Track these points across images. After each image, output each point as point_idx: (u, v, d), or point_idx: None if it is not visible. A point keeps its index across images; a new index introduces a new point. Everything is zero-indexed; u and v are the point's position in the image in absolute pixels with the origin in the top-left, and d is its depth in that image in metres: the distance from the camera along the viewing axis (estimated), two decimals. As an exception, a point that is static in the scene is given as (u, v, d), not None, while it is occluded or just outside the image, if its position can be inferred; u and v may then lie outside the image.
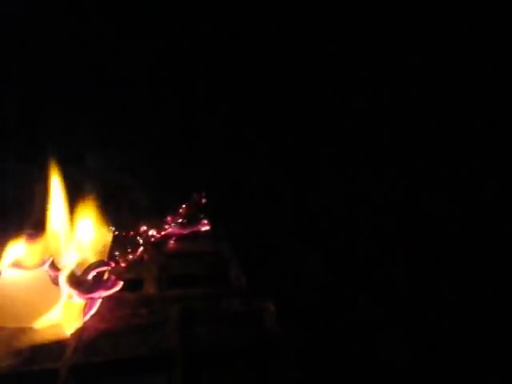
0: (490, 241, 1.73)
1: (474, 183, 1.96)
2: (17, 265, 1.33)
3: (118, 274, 1.51)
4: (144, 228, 1.75)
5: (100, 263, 1.39)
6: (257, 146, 2.20)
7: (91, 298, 1.33)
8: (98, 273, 1.36)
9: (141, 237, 1.71)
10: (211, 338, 1.28)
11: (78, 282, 1.33)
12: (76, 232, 1.51)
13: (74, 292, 1.32)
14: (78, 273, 1.36)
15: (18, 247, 1.38)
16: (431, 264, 1.62)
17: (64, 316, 1.31)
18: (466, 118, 2.10)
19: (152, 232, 1.74)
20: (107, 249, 1.59)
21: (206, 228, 1.80)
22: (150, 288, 1.45)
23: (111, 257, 1.57)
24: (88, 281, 1.34)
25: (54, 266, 1.35)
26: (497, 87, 2.08)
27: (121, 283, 1.37)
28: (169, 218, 1.80)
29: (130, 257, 1.61)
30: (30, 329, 1.26)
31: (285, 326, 1.31)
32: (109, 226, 1.70)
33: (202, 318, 1.35)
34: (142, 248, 1.66)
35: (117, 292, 1.38)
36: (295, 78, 2.20)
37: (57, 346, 1.23)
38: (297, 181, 2.13)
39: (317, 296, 1.43)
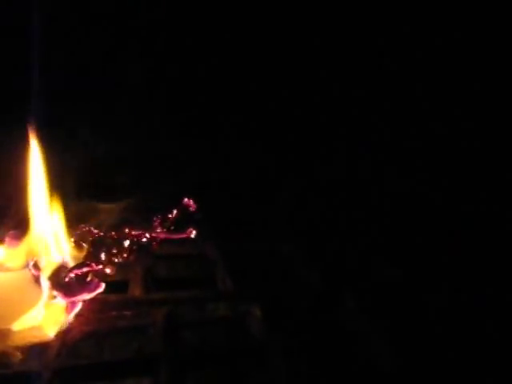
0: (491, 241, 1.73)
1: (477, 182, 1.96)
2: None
3: (102, 276, 1.51)
4: (130, 230, 1.73)
5: (82, 265, 1.37)
6: (247, 147, 2.18)
7: (73, 301, 1.32)
8: (80, 274, 1.35)
9: (127, 239, 1.70)
10: (196, 342, 1.27)
11: (60, 283, 1.32)
12: (57, 231, 1.49)
13: (56, 293, 1.31)
14: (61, 273, 1.34)
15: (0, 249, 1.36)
16: (424, 265, 1.61)
17: (46, 317, 1.29)
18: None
19: (138, 234, 1.73)
20: (87, 250, 1.58)
21: (193, 235, 1.78)
22: (135, 290, 1.43)
23: (95, 258, 1.55)
24: (70, 282, 1.32)
25: (37, 267, 1.33)
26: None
27: (103, 285, 1.36)
28: (156, 223, 1.78)
29: (116, 259, 1.59)
30: (11, 330, 1.24)
31: (270, 331, 1.30)
32: (91, 226, 1.70)
33: (187, 321, 1.34)
34: (127, 250, 1.64)
35: (101, 293, 1.37)
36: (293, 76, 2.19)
37: (39, 348, 1.21)
38: (287, 181, 2.11)
39: (304, 300, 1.43)
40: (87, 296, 1.32)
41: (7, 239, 1.40)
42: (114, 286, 1.45)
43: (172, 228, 1.77)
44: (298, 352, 1.27)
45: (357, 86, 2.15)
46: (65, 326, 1.27)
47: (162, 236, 1.74)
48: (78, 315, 1.31)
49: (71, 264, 1.41)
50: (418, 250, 1.66)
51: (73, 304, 1.32)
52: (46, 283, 1.30)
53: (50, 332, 1.25)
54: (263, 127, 2.20)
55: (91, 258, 1.57)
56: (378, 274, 1.56)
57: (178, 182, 2.05)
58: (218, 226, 1.85)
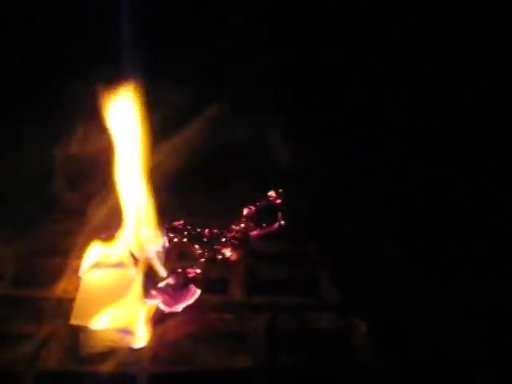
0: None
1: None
2: (98, 265, 1.30)
3: (201, 273, 1.47)
4: (228, 225, 1.69)
5: (177, 273, 1.34)
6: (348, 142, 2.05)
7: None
8: (176, 282, 1.31)
9: (224, 235, 1.65)
10: (297, 355, 1.21)
11: (160, 290, 1.29)
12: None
13: (158, 301, 1.28)
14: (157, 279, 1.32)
15: (98, 248, 1.34)
16: None
17: (137, 317, 1.26)
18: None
19: (234, 229, 1.68)
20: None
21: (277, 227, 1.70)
22: (235, 292, 1.38)
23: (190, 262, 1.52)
24: (167, 290, 1.29)
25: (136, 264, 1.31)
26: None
27: (199, 292, 1.32)
28: (245, 217, 1.72)
29: (216, 256, 1.55)
30: (108, 330, 1.23)
31: (376, 349, 1.22)
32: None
33: (288, 331, 1.27)
34: (227, 247, 1.60)
35: (201, 293, 1.34)
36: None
37: (135, 349, 1.20)
38: (397, 178, 1.96)
39: (414, 318, 1.32)
40: (184, 304, 1.29)
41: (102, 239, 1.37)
42: (213, 284, 1.42)
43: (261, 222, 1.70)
44: (404, 376, 1.18)
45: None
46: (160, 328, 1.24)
47: (255, 232, 1.67)
48: (176, 316, 1.28)
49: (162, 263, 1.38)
50: None
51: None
52: (143, 285, 1.27)
53: (139, 333, 1.23)
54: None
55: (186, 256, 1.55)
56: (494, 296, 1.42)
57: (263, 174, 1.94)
58: (319, 225, 1.76)
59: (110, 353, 1.17)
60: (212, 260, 1.53)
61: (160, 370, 1.12)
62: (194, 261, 1.50)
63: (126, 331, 1.21)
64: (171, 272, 1.35)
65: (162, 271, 1.34)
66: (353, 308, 1.34)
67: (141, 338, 1.20)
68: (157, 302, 1.26)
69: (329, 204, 1.83)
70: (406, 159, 1.93)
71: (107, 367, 1.13)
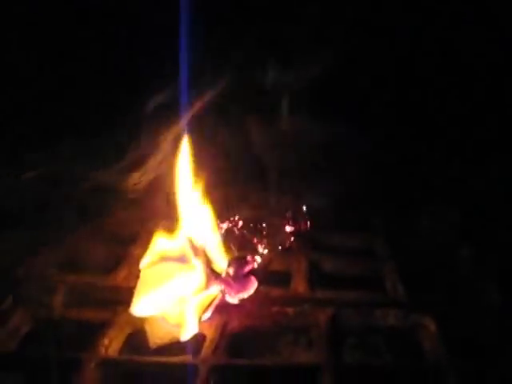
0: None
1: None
2: (159, 258, 1.28)
3: (263, 265, 1.44)
4: (290, 214, 1.64)
5: (241, 261, 1.30)
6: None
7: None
8: (236, 272, 1.28)
9: (288, 224, 1.61)
10: (361, 354, 1.16)
11: (220, 280, 1.26)
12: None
13: (218, 291, 1.25)
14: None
15: (158, 239, 1.32)
16: None
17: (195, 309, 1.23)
18: None
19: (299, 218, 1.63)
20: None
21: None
22: (299, 285, 1.34)
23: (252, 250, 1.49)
24: (227, 280, 1.26)
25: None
26: None
27: (256, 284, 1.28)
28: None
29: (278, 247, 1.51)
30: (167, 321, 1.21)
31: (446, 351, 1.15)
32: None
33: (352, 328, 1.23)
34: (290, 238, 1.55)
35: (264, 285, 1.30)
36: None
37: (196, 340, 1.17)
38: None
39: (488, 320, 1.25)
40: (243, 295, 1.26)
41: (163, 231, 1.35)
42: (275, 277, 1.38)
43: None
44: (475, 379, 1.11)
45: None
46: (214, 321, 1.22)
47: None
48: (238, 307, 1.25)
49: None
50: None
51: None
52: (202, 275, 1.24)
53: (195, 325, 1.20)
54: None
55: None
56: None
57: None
58: (386, 219, 1.69)
59: (169, 343, 1.15)
60: (273, 251, 1.49)
61: (220, 362, 1.09)
62: (254, 252, 1.47)
63: (184, 322, 1.19)
64: (231, 262, 1.31)
65: (222, 262, 1.31)
66: (420, 305, 1.27)
67: (196, 329, 1.18)
68: (217, 292, 1.23)
69: (397, 197, 1.76)
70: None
71: (167, 357, 1.11)
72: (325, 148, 1.80)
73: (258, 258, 1.38)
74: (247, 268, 1.30)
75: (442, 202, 1.70)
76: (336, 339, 1.18)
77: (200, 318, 1.20)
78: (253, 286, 1.28)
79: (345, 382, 1.07)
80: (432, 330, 1.20)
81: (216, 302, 1.25)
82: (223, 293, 1.25)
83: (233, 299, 1.25)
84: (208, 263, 1.27)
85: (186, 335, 1.16)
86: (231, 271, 1.28)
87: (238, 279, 1.27)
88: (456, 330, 1.20)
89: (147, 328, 1.19)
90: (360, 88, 1.81)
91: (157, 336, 1.17)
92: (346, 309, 1.26)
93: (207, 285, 1.23)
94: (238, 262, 1.31)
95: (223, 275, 1.27)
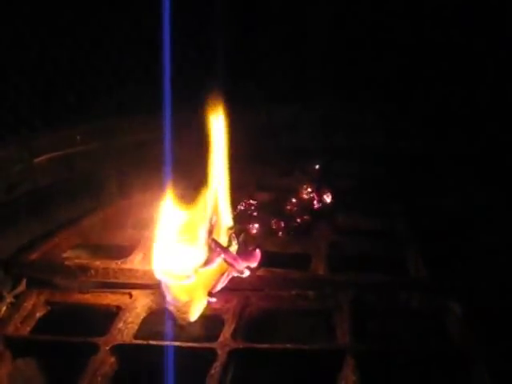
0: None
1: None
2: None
3: (282, 247, 1.40)
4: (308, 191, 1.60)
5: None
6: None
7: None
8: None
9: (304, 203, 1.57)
10: (385, 338, 1.12)
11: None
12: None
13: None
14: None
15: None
16: None
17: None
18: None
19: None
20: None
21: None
22: (318, 267, 1.30)
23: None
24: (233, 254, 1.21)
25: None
26: None
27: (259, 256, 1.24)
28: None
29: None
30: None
31: (474, 334, 1.10)
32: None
33: (375, 311, 1.19)
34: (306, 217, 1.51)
35: (283, 269, 1.27)
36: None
37: (213, 321, 1.14)
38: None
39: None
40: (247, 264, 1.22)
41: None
42: (294, 259, 1.34)
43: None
44: (504, 364, 1.06)
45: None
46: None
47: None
48: (257, 290, 1.22)
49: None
50: None
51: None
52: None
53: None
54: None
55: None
56: None
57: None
58: (410, 199, 1.64)
59: (188, 326, 1.12)
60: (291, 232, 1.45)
61: (239, 346, 1.06)
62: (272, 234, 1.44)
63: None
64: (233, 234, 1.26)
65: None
66: (445, 288, 1.23)
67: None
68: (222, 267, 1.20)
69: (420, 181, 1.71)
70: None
71: (184, 342, 1.08)
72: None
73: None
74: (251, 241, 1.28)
75: (467, 183, 1.65)
76: (358, 323, 1.14)
77: (210, 293, 1.17)
78: (257, 257, 1.24)
79: (368, 367, 1.03)
80: (457, 312, 1.16)
81: (225, 277, 1.21)
82: (228, 265, 1.20)
83: (238, 272, 1.21)
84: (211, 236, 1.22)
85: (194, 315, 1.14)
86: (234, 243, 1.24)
87: (242, 251, 1.23)
88: (482, 313, 1.16)
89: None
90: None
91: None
92: (368, 291, 1.22)
93: (211, 258, 1.19)
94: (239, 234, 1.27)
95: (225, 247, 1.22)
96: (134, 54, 1.93)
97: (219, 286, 1.19)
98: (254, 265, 1.23)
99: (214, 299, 1.17)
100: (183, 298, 1.14)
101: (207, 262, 1.17)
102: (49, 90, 1.87)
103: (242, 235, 1.27)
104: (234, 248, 1.23)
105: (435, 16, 1.92)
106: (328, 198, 1.59)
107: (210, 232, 1.21)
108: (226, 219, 1.28)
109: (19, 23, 1.81)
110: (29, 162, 1.56)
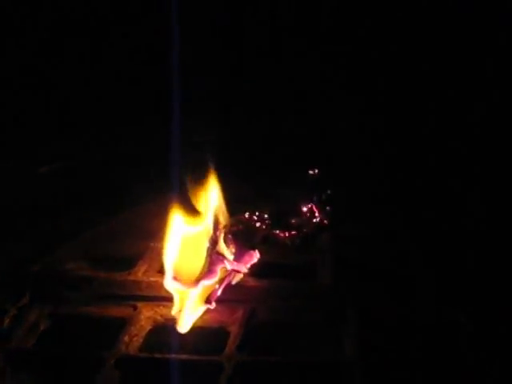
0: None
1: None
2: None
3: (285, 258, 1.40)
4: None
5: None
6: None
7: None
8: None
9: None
10: (392, 350, 1.11)
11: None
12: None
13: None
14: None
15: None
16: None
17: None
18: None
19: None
20: None
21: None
22: (324, 278, 1.29)
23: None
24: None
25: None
26: None
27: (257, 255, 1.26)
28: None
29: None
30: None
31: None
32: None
33: (381, 322, 1.17)
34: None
35: (288, 279, 1.27)
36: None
37: (218, 334, 1.14)
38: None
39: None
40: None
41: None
42: (300, 270, 1.34)
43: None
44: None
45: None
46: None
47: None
48: (261, 302, 1.21)
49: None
50: None
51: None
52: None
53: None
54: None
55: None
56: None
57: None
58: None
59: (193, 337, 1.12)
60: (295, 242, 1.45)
61: (245, 358, 1.05)
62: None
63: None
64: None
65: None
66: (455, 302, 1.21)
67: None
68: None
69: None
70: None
71: (190, 355, 1.07)
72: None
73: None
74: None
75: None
76: (364, 335, 1.13)
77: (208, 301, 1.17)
78: (254, 256, 1.26)
79: (377, 378, 1.03)
80: (469, 328, 1.14)
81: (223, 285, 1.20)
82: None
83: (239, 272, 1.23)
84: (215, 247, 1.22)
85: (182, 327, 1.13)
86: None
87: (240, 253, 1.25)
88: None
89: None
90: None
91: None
92: (374, 302, 1.21)
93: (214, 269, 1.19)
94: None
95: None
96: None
97: (217, 293, 1.19)
98: (252, 262, 1.25)
99: (213, 305, 1.16)
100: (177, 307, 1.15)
101: (211, 274, 1.17)
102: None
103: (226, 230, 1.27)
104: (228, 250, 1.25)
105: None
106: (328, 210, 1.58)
107: (215, 243, 1.21)
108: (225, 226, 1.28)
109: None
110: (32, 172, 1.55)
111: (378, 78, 1.93)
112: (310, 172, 1.70)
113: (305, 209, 1.58)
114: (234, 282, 1.23)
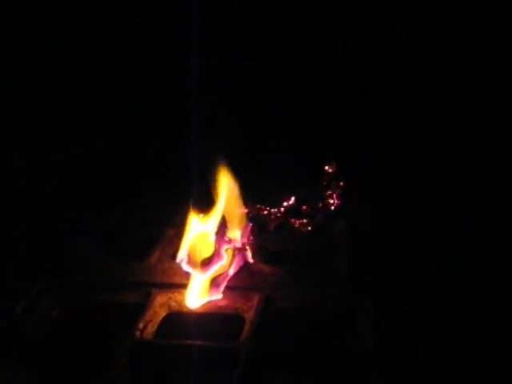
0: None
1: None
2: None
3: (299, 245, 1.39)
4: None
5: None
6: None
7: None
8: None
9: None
10: (407, 337, 1.09)
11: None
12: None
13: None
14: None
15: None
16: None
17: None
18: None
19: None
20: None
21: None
22: (339, 266, 1.28)
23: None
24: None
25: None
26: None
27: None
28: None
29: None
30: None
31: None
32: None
33: (395, 310, 1.16)
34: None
35: (305, 266, 1.26)
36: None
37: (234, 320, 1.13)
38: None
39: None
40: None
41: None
42: (315, 257, 1.33)
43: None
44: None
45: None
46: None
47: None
48: (276, 289, 1.20)
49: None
50: None
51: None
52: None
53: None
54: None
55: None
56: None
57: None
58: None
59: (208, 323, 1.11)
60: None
61: (261, 347, 1.04)
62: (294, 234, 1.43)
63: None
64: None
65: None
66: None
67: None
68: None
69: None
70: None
71: (204, 341, 1.05)
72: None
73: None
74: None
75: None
76: (381, 322, 1.11)
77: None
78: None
79: (392, 366, 1.02)
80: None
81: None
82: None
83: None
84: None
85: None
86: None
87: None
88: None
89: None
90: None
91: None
92: (389, 290, 1.20)
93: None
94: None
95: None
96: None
97: (228, 276, 1.21)
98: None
99: (219, 293, 1.18)
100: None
101: (218, 257, 1.21)
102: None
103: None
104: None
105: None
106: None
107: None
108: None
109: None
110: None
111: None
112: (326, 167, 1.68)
113: (319, 197, 1.56)
114: (251, 260, 1.27)
